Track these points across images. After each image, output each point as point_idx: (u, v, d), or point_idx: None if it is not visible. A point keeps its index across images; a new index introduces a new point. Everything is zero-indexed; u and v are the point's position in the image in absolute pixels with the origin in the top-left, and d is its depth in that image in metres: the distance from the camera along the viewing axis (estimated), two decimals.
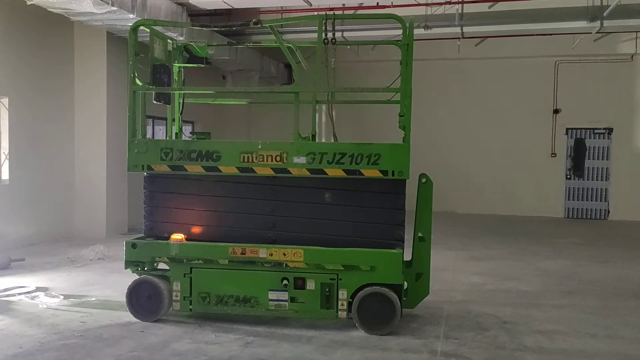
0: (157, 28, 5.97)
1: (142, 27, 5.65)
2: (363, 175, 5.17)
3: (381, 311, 5.15)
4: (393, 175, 5.13)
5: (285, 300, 5.28)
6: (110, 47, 10.53)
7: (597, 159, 15.33)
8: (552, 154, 15.44)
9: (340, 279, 5.22)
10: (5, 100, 9.19)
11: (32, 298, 6.23)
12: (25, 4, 8.11)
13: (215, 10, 10.89)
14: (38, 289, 6.57)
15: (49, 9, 8.48)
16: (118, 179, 10.71)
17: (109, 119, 10.56)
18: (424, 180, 5.59)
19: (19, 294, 6.39)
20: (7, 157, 9.24)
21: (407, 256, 5.52)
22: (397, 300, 5.16)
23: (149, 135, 12.67)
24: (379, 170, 5.14)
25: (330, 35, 5.33)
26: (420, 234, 5.60)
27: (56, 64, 10.18)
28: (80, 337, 5.01)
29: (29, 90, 9.58)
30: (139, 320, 5.41)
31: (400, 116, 5.17)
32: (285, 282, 5.26)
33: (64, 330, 5.16)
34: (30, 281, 6.99)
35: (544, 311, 6.14)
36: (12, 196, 9.24)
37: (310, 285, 5.25)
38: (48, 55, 9.98)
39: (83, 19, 9.00)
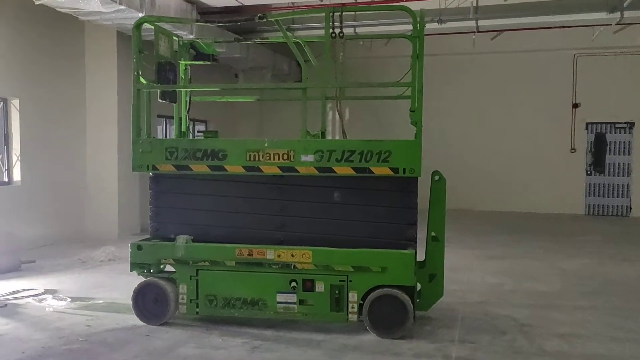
0: (164, 25, 5.85)
1: (147, 25, 5.54)
2: (373, 173, 5.00)
3: (393, 314, 4.97)
4: (404, 172, 4.95)
5: (294, 303, 5.14)
6: (120, 46, 10.48)
7: (618, 154, 15.00)
8: (571, 149, 15.14)
9: (351, 281, 5.06)
10: (16, 102, 9.17)
11: (40, 301, 6.17)
12: (34, 3, 8.06)
13: (226, 7, 10.78)
14: (46, 292, 6.52)
15: (57, 9, 8.42)
16: (130, 178, 10.64)
17: (120, 119, 10.51)
18: (437, 177, 5.40)
19: (27, 296, 6.34)
20: (19, 158, 9.23)
21: (421, 256, 5.36)
22: (410, 302, 4.98)
23: (162, 135, 12.69)
24: (390, 168, 4.97)
25: (337, 29, 5.17)
26: (433, 234, 5.42)
27: (67, 64, 10.14)
28: (84, 341, 4.91)
29: (40, 91, 9.56)
30: (144, 324, 5.31)
31: (411, 112, 4.99)
32: (293, 284, 5.12)
33: (69, 335, 5.07)
34: (39, 283, 6.94)
35: (564, 313, 5.93)
36: (24, 197, 9.23)
37: (320, 287, 5.10)
38: (58, 56, 9.94)
39: (92, 18, 8.93)
